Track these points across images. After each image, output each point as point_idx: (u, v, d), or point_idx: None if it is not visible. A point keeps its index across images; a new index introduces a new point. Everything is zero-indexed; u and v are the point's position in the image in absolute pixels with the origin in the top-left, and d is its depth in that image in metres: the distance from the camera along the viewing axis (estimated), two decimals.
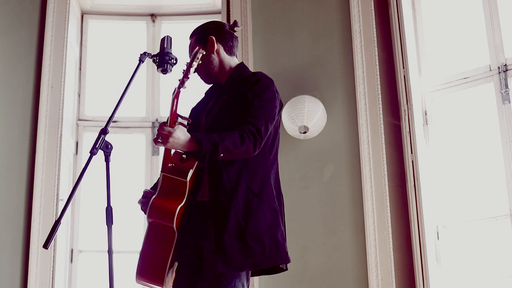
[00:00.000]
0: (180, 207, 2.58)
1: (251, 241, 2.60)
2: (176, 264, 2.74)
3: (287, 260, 2.69)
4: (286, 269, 2.75)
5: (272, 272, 2.74)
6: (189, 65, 2.63)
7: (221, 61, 2.90)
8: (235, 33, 2.97)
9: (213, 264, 2.59)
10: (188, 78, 2.63)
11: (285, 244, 2.69)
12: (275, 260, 2.65)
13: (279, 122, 2.85)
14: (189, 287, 2.74)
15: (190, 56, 2.91)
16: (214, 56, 2.88)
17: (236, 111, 2.73)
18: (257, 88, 2.75)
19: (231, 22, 3.15)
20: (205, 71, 2.89)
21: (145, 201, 2.75)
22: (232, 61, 2.93)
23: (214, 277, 2.61)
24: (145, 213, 2.75)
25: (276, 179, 2.81)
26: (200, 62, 2.70)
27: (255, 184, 2.68)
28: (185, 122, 2.61)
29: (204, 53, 2.73)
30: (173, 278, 2.77)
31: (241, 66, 2.94)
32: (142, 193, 2.81)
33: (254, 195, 2.66)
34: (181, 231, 2.62)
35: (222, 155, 2.55)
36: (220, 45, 2.91)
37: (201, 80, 2.95)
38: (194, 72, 2.69)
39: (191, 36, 2.96)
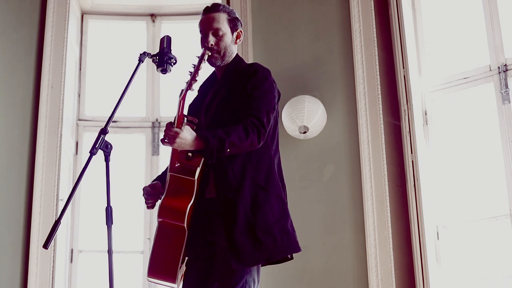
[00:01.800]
0: (190, 206, 2.58)
1: (262, 235, 2.61)
2: (186, 259, 2.75)
3: (298, 249, 2.70)
4: (292, 258, 2.76)
5: (280, 262, 2.75)
6: (197, 68, 2.65)
7: (232, 55, 2.92)
8: None
9: (226, 260, 2.60)
10: (196, 80, 2.65)
11: (295, 233, 2.72)
12: (286, 251, 2.68)
13: (278, 112, 2.86)
14: (200, 283, 2.74)
15: (206, 31, 2.86)
16: (234, 47, 2.92)
17: (236, 104, 2.74)
18: (255, 79, 2.77)
19: None
20: (222, 54, 2.87)
21: (152, 192, 2.75)
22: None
23: (225, 273, 2.62)
24: (146, 201, 2.76)
25: (279, 169, 2.83)
26: (205, 63, 2.72)
27: (260, 176, 2.70)
28: (192, 122, 2.61)
29: (210, 54, 2.76)
30: (183, 273, 2.78)
31: (237, 58, 2.95)
32: (150, 185, 2.80)
33: (260, 188, 2.68)
34: (191, 228, 2.63)
35: (228, 150, 2.57)
36: (239, 41, 2.95)
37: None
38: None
39: (218, 10, 2.89)
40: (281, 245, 2.64)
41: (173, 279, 2.60)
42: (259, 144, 2.65)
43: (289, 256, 2.73)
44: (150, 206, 2.79)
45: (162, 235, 2.62)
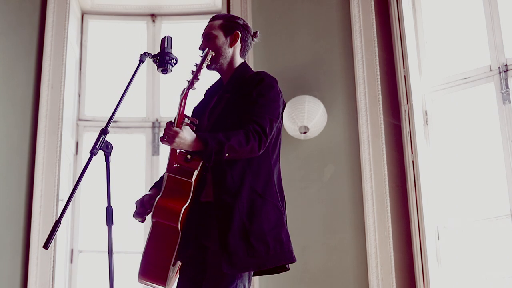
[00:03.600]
0: (185, 208, 2.58)
1: (255, 242, 2.59)
2: (179, 263, 2.74)
3: (291, 259, 2.68)
4: (288, 269, 2.74)
5: (275, 272, 2.73)
6: (199, 67, 2.63)
7: (232, 59, 2.90)
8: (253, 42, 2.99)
9: (216, 264, 2.58)
10: (198, 79, 2.62)
11: (289, 243, 2.69)
12: (279, 260, 2.65)
13: (282, 121, 2.85)
14: (192, 287, 2.73)
15: (202, 38, 2.90)
16: (230, 50, 2.89)
17: (240, 110, 2.72)
18: (261, 87, 2.75)
19: None
20: (215, 58, 2.85)
21: (140, 211, 2.75)
22: (239, 62, 2.94)
23: (216, 277, 2.61)
24: (136, 217, 2.76)
25: (279, 179, 2.81)
26: (209, 63, 2.71)
27: (259, 184, 2.68)
28: (192, 123, 2.60)
29: (214, 54, 2.75)
30: (176, 278, 2.77)
31: (244, 65, 2.93)
32: (138, 203, 2.79)
33: (258, 195, 2.66)
34: (184, 231, 2.62)
35: (227, 154, 2.54)
36: (239, 44, 2.91)
37: (205, 77, 2.90)
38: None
39: (215, 19, 2.94)
40: (273, 254, 2.62)
41: (163, 282, 2.59)
42: (259, 151, 2.63)
43: (287, 266, 2.71)
44: (140, 221, 2.78)
45: (155, 235, 2.60)
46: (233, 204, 2.61)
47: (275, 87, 2.78)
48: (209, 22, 2.95)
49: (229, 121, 2.71)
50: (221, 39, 2.88)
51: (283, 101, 2.83)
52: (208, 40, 2.88)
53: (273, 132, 2.71)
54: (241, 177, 2.66)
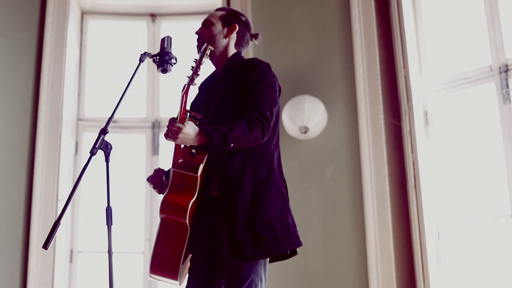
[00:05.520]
0: (192, 202, 2.58)
1: (262, 230, 2.60)
2: (190, 256, 2.74)
3: (299, 244, 2.69)
4: (296, 253, 2.74)
5: (285, 257, 2.73)
6: (199, 62, 2.66)
7: (225, 49, 2.93)
8: (250, 41, 3.03)
9: (229, 259, 2.60)
10: (198, 75, 2.64)
11: (296, 228, 2.70)
12: (287, 246, 2.65)
13: (279, 106, 2.87)
14: (203, 281, 2.74)
15: (202, 24, 2.97)
16: (224, 40, 2.93)
17: (236, 99, 2.74)
18: (256, 74, 2.77)
19: None
20: (207, 41, 2.88)
21: (155, 176, 2.78)
22: (232, 53, 2.97)
23: (231, 273, 2.62)
24: (155, 189, 2.81)
25: (279, 163, 2.82)
26: (207, 58, 2.74)
27: (261, 171, 2.69)
28: (195, 118, 2.60)
29: (212, 49, 2.79)
30: (187, 271, 2.77)
31: (236, 55, 2.95)
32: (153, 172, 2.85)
33: (261, 183, 2.67)
34: (196, 226, 2.63)
35: (232, 145, 2.56)
36: (235, 37, 2.95)
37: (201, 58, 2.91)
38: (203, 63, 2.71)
39: (219, 10, 3.02)
40: (281, 240, 2.63)
41: (175, 276, 2.60)
42: (263, 138, 2.65)
43: (296, 251, 2.72)
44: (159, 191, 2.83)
45: (164, 231, 2.61)
46: (236, 195, 2.63)
47: (269, 72, 2.81)
48: (214, 11, 3.02)
49: (227, 112, 2.73)
50: (218, 28, 2.94)
51: (279, 85, 2.86)
52: (206, 27, 2.95)
53: (273, 117, 2.73)
54: (242, 166, 2.67)
